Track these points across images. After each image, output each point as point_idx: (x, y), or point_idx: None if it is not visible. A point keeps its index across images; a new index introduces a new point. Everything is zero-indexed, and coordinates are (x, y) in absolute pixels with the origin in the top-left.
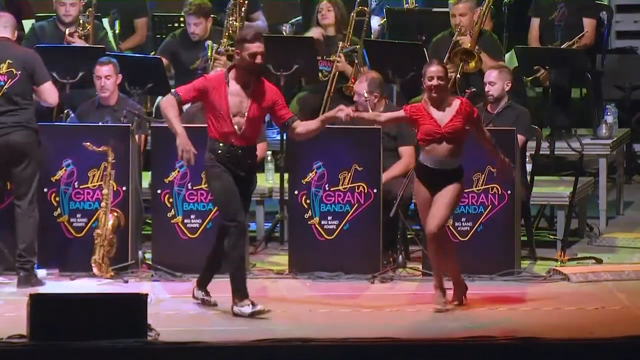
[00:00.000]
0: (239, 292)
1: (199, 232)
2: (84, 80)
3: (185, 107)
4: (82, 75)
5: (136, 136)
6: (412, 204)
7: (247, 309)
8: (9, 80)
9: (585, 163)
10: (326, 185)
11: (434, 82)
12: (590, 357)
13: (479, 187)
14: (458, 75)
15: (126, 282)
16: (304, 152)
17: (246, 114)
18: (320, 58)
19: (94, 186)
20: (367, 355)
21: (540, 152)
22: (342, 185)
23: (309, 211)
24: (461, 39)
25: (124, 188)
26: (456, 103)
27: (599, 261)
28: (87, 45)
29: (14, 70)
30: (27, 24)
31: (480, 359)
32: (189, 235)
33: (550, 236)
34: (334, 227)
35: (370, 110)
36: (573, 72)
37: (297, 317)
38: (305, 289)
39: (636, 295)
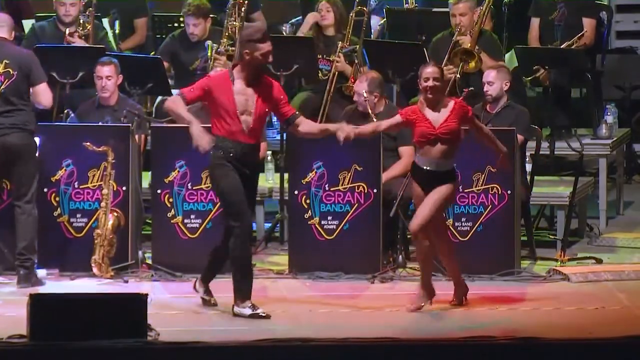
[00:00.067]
0: (241, 293)
1: (199, 232)
2: (84, 80)
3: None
4: (82, 75)
5: (136, 136)
6: (412, 204)
7: (247, 311)
8: (6, 81)
9: (585, 163)
10: (326, 185)
11: (429, 83)
12: (590, 357)
13: (479, 187)
14: (458, 75)
15: (126, 282)
16: (304, 152)
17: (253, 111)
18: (320, 57)
19: (94, 186)
20: (367, 355)
21: (540, 152)
22: (342, 185)
23: (309, 211)
24: (461, 38)
25: (124, 188)
26: (451, 104)
27: (599, 261)
28: (87, 45)
29: (10, 70)
30: (27, 24)
31: (480, 359)
32: (189, 235)
33: (550, 236)
34: (334, 227)
35: (370, 110)
36: (573, 72)
37: (297, 317)
38: (305, 289)
39: (636, 295)
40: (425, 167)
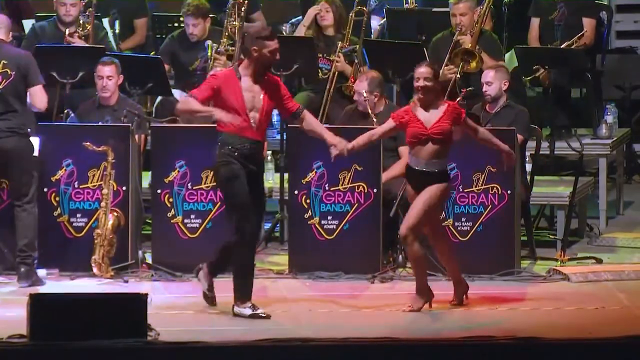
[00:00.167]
0: (241, 293)
1: (199, 232)
2: (84, 80)
3: None
4: (82, 75)
5: (136, 136)
6: None
7: (247, 311)
8: (4, 81)
9: (585, 163)
10: (326, 185)
11: (420, 83)
12: (590, 357)
13: (479, 187)
14: (458, 76)
15: (126, 282)
16: (304, 152)
17: (260, 108)
18: (320, 56)
19: (94, 186)
20: (367, 355)
21: (540, 152)
22: (342, 185)
23: (309, 211)
24: (462, 38)
25: (124, 188)
26: (444, 106)
27: (599, 261)
28: (87, 45)
29: (8, 70)
30: (27, 24)
31: (480, 359)
32: (189, 235)
33: (550, 236)
34: (334, 227)
35: (370, 110)
36: (573, 72)
37: (297, 317)
38: (305, 289)
39: (636, 295)
40: (416, 168)
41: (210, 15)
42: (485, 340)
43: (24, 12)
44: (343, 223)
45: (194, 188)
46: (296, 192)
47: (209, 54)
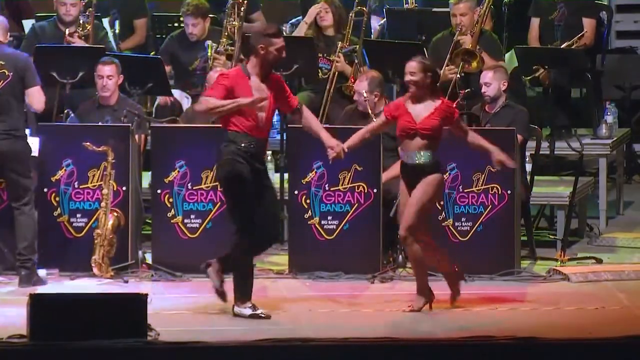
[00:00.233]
0: (242, 294)
1: (199, 232)
2: (84, 80)
3: (185, 106)
4: (82, 75)
5: (136, 136)
6: None
7: (247, 311)
8: (1, 82)
9: (585, 163)
10: (326, 185)
11: (407, 77)
12: (590, 357)
13: (479, 187)
14: (458, 76)
15: (126, 282)
16: (304, 152)
17: (267, 107)
18: (320, 56)
19: (94, 186)
20: (367, 355)
21: (540, 152)
22: (342, 185)
23: (309, 211)
24: (462, 39)
25: (124, 188)
26: (437, 102)
27: (599, 261)
28: (87, 45)
29: (6, 71)
30: (27, 24)
31: (480, 359)
32: (189, 235)
33: (550, 236)
34: (334, 227)
35: (370, 110)
36: (573, 72)
37: (297, 317)
38: (305, 289)
39: (636, 295)
40: (406, 162)
41: (210, 15)
42: (485, 340)
43: (24, 12)
44: (343, 223)
45: (194, 188)
46: (296, 192)
47: (209, 53)
